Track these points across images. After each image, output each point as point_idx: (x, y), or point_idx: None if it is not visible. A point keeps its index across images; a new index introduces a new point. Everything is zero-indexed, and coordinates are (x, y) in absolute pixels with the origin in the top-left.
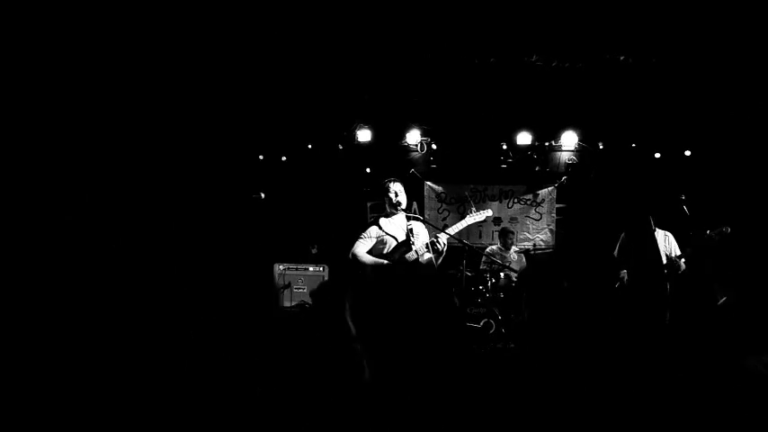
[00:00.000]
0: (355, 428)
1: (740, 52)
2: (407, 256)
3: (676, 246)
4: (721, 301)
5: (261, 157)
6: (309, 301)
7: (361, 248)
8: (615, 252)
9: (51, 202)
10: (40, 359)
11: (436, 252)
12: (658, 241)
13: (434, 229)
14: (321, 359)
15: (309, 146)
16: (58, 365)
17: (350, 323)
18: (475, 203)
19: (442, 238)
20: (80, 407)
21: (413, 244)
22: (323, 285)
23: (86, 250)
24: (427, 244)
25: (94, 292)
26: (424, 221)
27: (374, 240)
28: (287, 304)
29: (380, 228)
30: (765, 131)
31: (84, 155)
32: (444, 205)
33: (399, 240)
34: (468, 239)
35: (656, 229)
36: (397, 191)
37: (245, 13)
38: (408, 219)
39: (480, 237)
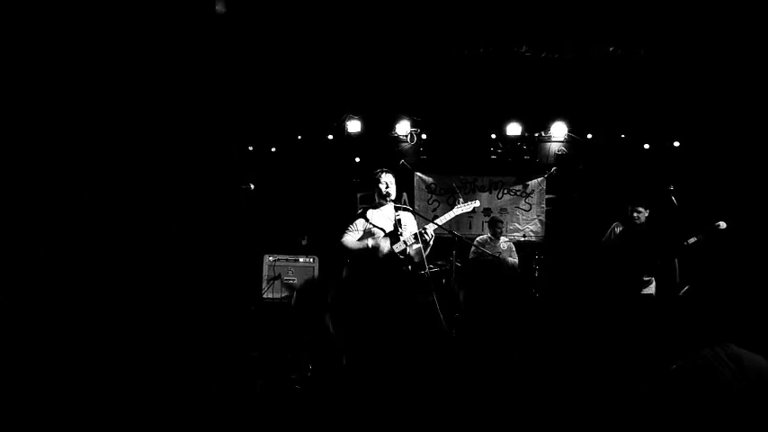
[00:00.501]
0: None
1: (728, 43)
2: (395, 246)
3: None
4: (683, 290)
5: (250, 148)
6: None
7: (348, 238)
8: (604, 239)
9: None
10: (38, 358)
11: (424, 243)
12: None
13: (423, 219)
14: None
15: (299, 137)
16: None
17: (328, 321)
18: (465, 194)
19: (430, 228)
20: (73, 402)
21: (401, 235)
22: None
23: (79, 246)
24: (415, 234)
25: (92, 287)
26: (413, 212)
27: (361, 232)
28: (276, 296)
29: (367, 220)
30: (753, 122)
31: (70, 150)
32: (434, 196)
33: (387, 231)
34: (458, 230)
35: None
36: (388, 182)
37: (235, 5)
38: (397, 209)
39: (470, 227)
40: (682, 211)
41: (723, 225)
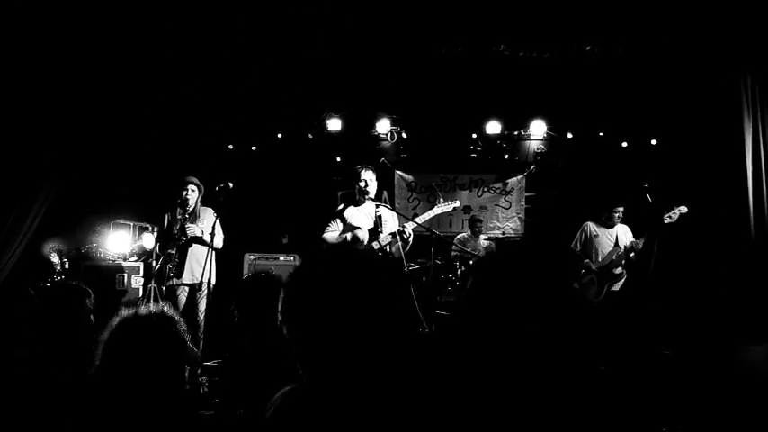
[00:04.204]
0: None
1: (705, 42)
2: (373, 244)
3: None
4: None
5: (230, 146)
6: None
7: (329, 235)
8: (573, 244)
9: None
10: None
11: (403, 241)
12: (618, 235)
13: (404, 218)
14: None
15: (279, 135)
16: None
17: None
18: (445, 192)
19: (408, 227)
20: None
21: (380, 232)
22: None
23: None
24: (393, 233)
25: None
26: (393, 210)
27: (341, 229)
28: None
29: (344, 220)
30: (730, 122)
31: (46, 147)
32: (415, 194)
33: (365, 229)
34: (438, 228)
35: (618, 223)
36: (368, 179)
37: (214, 3)
38: (377, 205)
39: (450, 225)
40: (656, 208)
41: (684, 209)
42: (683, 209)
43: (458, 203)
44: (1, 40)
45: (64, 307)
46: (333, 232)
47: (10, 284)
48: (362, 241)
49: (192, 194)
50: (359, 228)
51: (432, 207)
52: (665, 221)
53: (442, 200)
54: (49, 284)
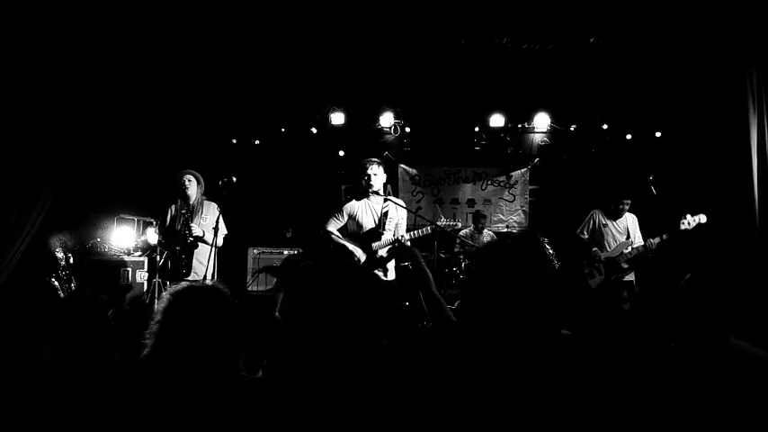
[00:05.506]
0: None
1: (710, 33)
2: (374, 245)
3: (639, 232)
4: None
5: (234, 141)
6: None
7: (333, 227)
8: (579, 230)
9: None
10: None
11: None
12: (628, 224)
13: (410, 213)
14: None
15: (282, 129)
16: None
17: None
18: (449, 185)
19: (406, 237)
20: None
21: (382, 233)
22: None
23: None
24: (394, 241)
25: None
26: (404, 207)
27: (345, 221)
28: (261, 288)
29: (349, 213)
30: (735, 114)
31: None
32: (418, 188)
33: (368, 228)
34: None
35: (626, 213)
36: (371, 173)
37: None
38: (386, 200)
39: (454, 219)
40: (660, 201)
41: (704, 219)
42: (703, 218)
43: (458, 224)
44: (1, 38)
45: (82, 321)
46: (337, 221)
47: (13, 281)
48: (357, 260)
49: (191, 185)
50: (360, 225)
51: (435, 200)
52: (681, 227)
53: (442, 218)
54: (54, 279)
